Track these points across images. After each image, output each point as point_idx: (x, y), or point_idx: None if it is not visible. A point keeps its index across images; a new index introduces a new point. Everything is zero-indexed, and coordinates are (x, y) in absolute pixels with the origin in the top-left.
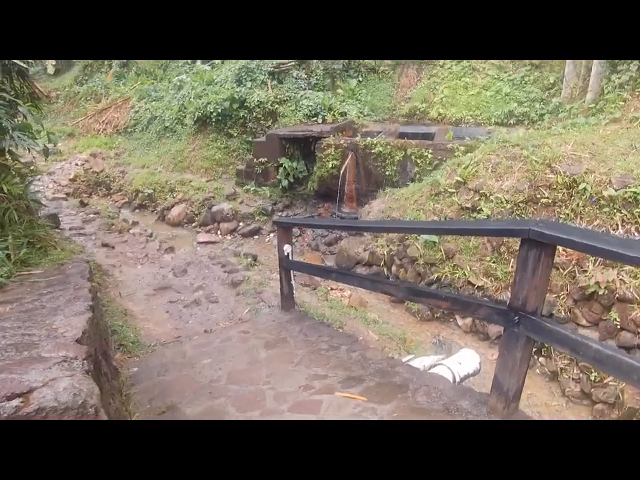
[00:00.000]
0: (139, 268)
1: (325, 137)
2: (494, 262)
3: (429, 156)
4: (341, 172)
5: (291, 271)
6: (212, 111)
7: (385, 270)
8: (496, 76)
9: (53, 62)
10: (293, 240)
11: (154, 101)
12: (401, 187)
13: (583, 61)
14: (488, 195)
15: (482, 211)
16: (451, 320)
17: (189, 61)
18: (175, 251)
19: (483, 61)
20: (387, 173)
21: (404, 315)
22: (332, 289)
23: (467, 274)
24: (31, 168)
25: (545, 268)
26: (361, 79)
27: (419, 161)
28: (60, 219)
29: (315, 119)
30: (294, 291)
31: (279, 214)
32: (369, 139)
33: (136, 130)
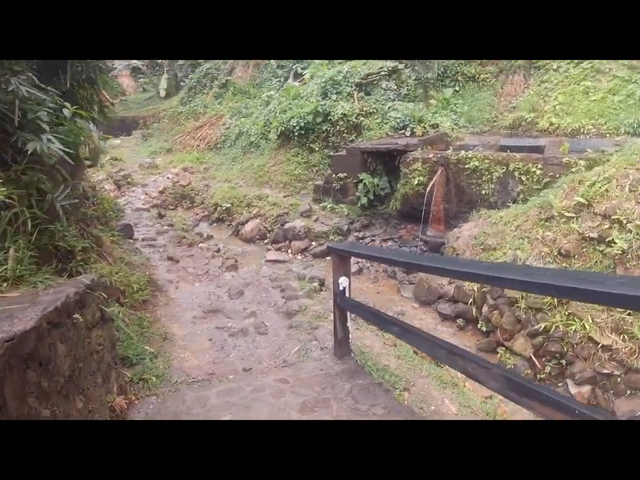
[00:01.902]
0: (196, 285)
1: (412, 151)
2: (629, 314)
3: (537, 172)
4: (428, 189)
5: (347, 311)
6: (295, 124)
7: (474, 310)
8: (627, 77)
9: (165, 86)
10: (366, 263)
11: (243, 117)
12: (500, 208)
13: None
14: (624, 222)
15: (614, 243)
16: (560, 384)
17: (282, 78)
18: (238, 269)
19: (609, 61)
20: (483, 191)
21: None
22: None
23: (587, 327)
24: (128, 180)
25: None
26: (457, 88)
27: (523, 178)
28: (137, 229)
29: (402, 131)
30: (350, 334)
31: (356, 234)
32: (462, 152)
33: (225, 145)
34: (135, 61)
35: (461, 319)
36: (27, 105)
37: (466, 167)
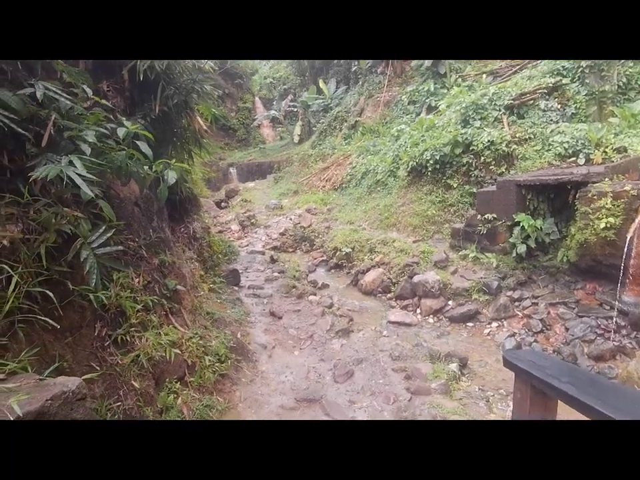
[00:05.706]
0: (295, 355)
1: (595, 182)
2: None
3: None
4: (629, 236)
5: None
6: (429, 158)
7: None
8: None
9: (298, 132)
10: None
11: (371, 155)
12: None
13: None
14: None
15: None
16: None
17: (413, 114)
18: (350, 335)
19: None
20: None
21: None
22: None
23: None
24: (252, 221)
25: None
26: None
27: None
28: (246, 274)
29: (572, 159)
30: None
31: (509, 294)
32: None
33: (350, 185)
34: (273, 112)
35: None
36: (70, 122)
37: None
